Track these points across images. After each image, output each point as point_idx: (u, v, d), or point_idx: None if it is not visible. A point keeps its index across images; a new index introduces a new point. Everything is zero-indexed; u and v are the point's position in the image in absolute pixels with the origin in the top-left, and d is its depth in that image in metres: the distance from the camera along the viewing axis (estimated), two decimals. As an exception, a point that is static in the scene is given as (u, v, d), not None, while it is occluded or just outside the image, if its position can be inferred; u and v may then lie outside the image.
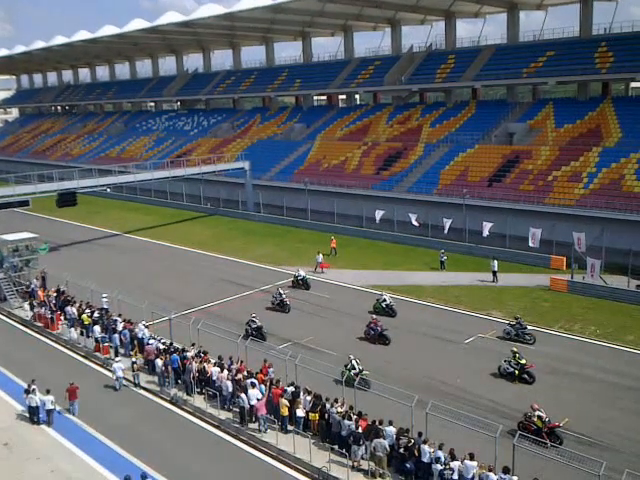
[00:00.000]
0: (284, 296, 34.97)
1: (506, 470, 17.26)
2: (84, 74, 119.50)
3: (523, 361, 25.06)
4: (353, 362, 24.81)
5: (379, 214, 49.85)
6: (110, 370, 27.39)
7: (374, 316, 30.81)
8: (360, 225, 52.42)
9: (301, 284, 38.32)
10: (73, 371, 27.59)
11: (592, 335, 29.71)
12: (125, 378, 26.35)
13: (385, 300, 33.16)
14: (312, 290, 37.88)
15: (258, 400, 22.06)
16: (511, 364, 25.20)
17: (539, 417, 20.67)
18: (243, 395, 22.27)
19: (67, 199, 49.12)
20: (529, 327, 29.57)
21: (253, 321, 30.29)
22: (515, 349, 25.84)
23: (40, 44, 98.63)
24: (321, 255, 42.32)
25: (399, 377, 25.36)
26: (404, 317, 32.70)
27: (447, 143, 56.71)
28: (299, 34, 79.67)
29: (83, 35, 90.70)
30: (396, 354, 28.25)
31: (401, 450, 19.17)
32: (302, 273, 38.85)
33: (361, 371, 24.30)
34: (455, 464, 18.00)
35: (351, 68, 72.58)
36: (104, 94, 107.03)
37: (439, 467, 18.11)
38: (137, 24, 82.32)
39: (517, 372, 24.95)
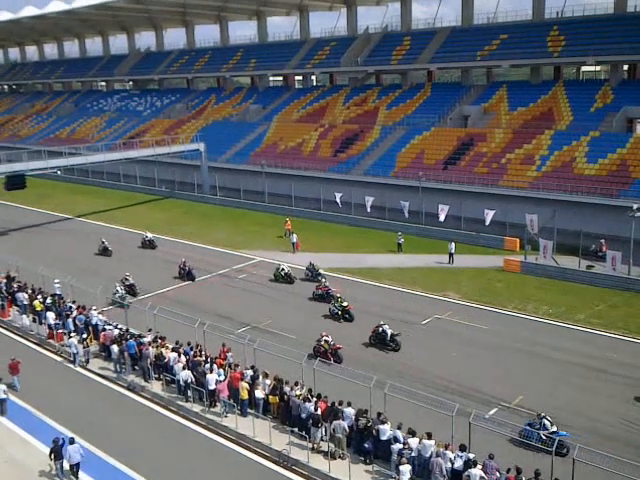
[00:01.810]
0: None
1: (463, 448, 17.65)
2: (31, 52, 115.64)
3: (345, 304, 30.29)
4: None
5: (338, 197, 49.78)
6: (64, 357, 26.98)
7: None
8: (318, 208, 52.37)
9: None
10: (26, 358, 26.94)
11: (544, 314, 30.50)
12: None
13: (284, 269, 36.41)
14: (269, 273, 37.70)
15: (220, 382, 22.00)
16: (336, 306, 30.37)
17: (326, 341, 25.77)
18: (203, 379, 22.17)
19: (16, 182, 47.69)
20: (483, 307, 30.36)
21: (126, 279, 34.26)
22: (339, 296, 30.80)
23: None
24: (295, 235, 42.23)
25: (359, 359, 25.60)
26: (362, 299, 32.85)
27: (403, 125, 57.01)
28: (254, 13, 78.56)
29: (30, 11, 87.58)
30: (356, 336, 28.40)
31: (360, 427, 19.32)
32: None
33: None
34: (414, 441, 18.28)
35: (307, 49, 72.06)
36: (53, 73, 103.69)
37: (399, 446, 18.36)
38: (86, 0, 79.73)
39: (340, 312, 30.22)
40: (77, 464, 18.85)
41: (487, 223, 41.68)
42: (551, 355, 26.03)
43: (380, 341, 27.21)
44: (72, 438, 19.14)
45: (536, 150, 47.24)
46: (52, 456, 18.78)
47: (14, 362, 24.34)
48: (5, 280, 33.92)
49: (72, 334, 27.10)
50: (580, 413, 21.53)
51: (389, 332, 26.97)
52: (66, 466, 18.84)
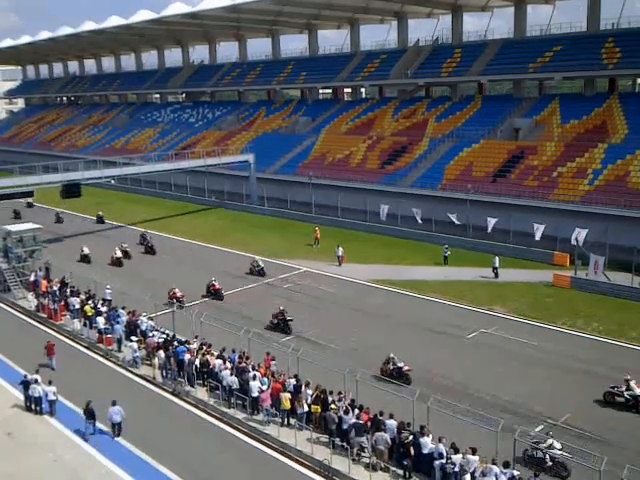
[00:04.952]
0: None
1: (507, 464, 17.30)
2: (90, 65, 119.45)
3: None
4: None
5: (384, 209, 49.49)
6: (112, 361, 27.65)
7: None
8: (364, 219, 52.32)
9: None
10: (75, 362, 27.76)
11: (595, 331, 29.69)
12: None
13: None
14: (314, 283, 37.88)
15: (263, 391, 22.16)
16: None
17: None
18: (247, 386, 22.38)
19: (71, 190, 49.09)
20: (530, 322, 29.80)
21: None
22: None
23: (46, 34, 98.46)
24: (341, 248, 42.28)
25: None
26: (406, 312, 32.70)
27: (452, 138, 56.55)
28: (305, 26, 79.35)
29: (89, 26, 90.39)
30: (398, 349, 28.14)
31: (404, 441, 19.11)
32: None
33: None
34: (457, 457, 18.00)
35: (357, 61, 72.35)
36: (109, 85, 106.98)
37: (442, 461, 18.06)
38: (143, 15, 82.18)
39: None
40: (119, 424, 21.45)
41: (537, 238, 40.89)
42: (600, 372, 25.30)
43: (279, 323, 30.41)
44: (114, 400, 21.43)
45: (589, 164, 46.19)
46: (85, 416, 21.40)
47: (50, 344, 26.66)
48: (59, 285, 34.99)
49: (133, 338, 27.67)
50: (630, 434, 20.85)
51: None
52: (103, 426, 21.70)
